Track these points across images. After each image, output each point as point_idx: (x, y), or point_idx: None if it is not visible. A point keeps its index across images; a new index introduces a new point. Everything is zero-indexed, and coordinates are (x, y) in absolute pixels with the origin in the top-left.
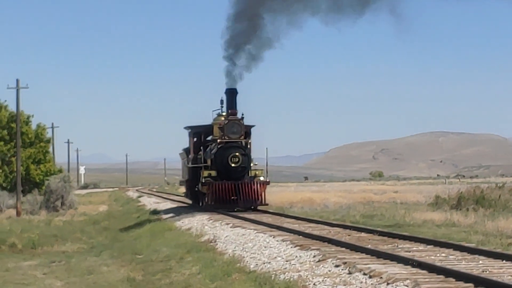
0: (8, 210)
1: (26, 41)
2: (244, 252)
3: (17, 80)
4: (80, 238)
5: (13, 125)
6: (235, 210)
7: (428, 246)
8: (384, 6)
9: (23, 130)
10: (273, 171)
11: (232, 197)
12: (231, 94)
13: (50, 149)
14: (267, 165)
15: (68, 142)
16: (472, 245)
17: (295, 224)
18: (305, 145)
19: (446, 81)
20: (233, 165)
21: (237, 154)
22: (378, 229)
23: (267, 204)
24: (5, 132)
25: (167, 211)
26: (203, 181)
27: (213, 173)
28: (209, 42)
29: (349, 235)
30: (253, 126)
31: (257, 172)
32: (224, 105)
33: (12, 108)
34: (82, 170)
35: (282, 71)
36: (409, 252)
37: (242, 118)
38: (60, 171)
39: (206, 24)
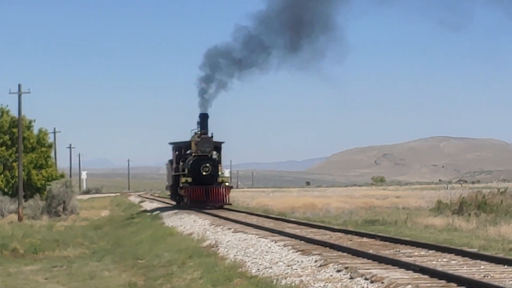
0: (10, 215)
1: (29, 46)
2: (246, 257)
3: (19, 85)
4: (82, 243)
5: (15, 130)
6: (207, 208)
7: (430, 251)
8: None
9: (25, 135)
10: (275, 176)
11: (203, 198)
12: (203, 117)
13: (52, 154)
14: (231, 173)
15: (70, 147)
16: (474, 250)
17: (297, 229)
18: (307, 150)
19: (448, 86)
20: (204, 173)
21: (207, 165)
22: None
23: (230, 204)
24: (7, 137)
25: (168, 216)
26: (181, 186)
27: (189, 179)
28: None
29: (350, 240)
30: (222, 142)
31: (223, 179)
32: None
33: (14, 113)
34: (84, 175)
35: (284, 76)
36: (411, 257)
37: (212, 136)
38: (62, 176)
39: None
